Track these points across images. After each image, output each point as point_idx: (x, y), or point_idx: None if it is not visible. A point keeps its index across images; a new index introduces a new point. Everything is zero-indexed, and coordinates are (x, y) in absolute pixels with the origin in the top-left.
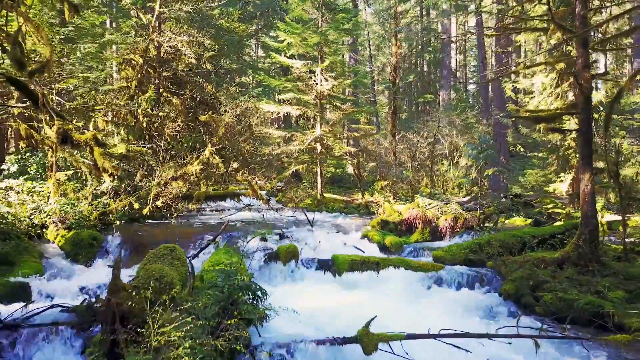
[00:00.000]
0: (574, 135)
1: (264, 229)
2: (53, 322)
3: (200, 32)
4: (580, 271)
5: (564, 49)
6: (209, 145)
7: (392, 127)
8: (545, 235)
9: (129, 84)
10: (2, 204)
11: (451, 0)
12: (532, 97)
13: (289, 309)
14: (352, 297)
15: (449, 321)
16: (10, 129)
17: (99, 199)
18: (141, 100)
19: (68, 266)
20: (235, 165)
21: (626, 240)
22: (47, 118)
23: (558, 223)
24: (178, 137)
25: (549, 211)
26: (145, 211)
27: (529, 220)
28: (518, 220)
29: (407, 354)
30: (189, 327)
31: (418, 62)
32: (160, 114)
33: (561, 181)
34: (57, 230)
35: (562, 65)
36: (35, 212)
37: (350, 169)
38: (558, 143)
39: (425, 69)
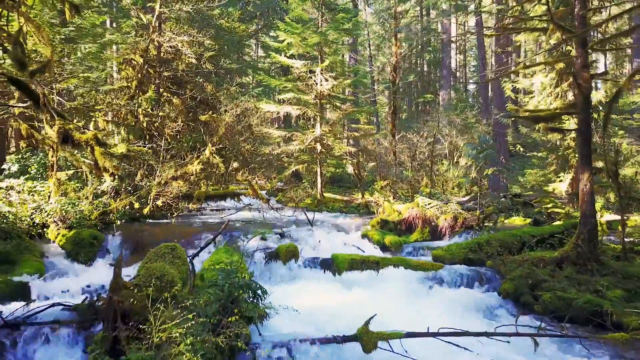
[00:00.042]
0: (573, 135)
1: (264, 229)
2: (54, 321)
3: (200, 32)
4: (579, 270)
5: (564, 49)
6: (209, 145)
7: (392, 127)
8: (544, 234)
9: (130, 84)
10: (3, 204)
11: (451, 0)
12: (531, 97)
13: (289, 307)
14: (351, 296)
15: (449, 320)
16: (10, 128)
17: (100, 199)
18: (141, 100)
19: (69, 265)
20: (235, 165)
21: (625, 239)
22: (48, 118)
23: (557, 223)
24: (178, 136)
25: (549, 211)
26: (145, 211)
27: (529, 220)
28: (517, 220)
29: (406, 352)
30: (190, 324)
31: (418, 62)
32: (161, 113)
33: (560, 181)
34: (58, 229)
35: (561, 65)
36: (36, 211)
37: (350, 169)
38: (558, 143)
39: (425, 68)
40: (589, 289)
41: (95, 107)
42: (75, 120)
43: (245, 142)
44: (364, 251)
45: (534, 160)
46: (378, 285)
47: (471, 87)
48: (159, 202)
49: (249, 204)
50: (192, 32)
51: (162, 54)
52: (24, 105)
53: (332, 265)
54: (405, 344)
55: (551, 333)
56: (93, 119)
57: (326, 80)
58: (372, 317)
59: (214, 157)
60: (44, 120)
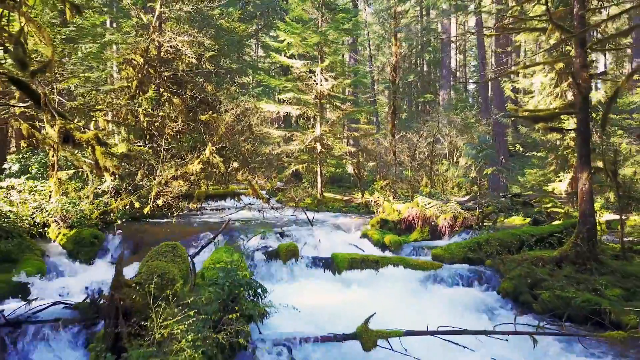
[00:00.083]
0: (573, 134)
1: (264, 228)
2: (56, 319)
3: (200, 32)
4: (578, 269)
5: (563, 48)
6: (209, 144)
7: (392, 127)
8: (543, 234)
9: (130, 84)
10: (4, 203)
11: (451, 0)
12: (531, 97)
13: (289, 306)
14: (351, 295)
15: (448, 319)
16: (11, 128)
17: (100, 198)
18: (142, 100)
19: (70, 264)
20: (235, 164)
21: (624, 239)
22: (49, 117)
23: (556, 222)
24: (178, 136)
25: (548, 210)
26: (146, 210)
27: (528, 220)
28: (517, 220)
29: (405, 350)
30: (191, 321)
31: (418, 62)
32: (161, 113)
33: (560, 180)
34: (59, 229)
35: (561, 65)
36: (37, 211)
37: (350, 169)
38: (557, 142)
39: (425, 68)
40: (587, 288)
41: (96, 107)
42: (75, 120)
43: (246, 142)
44: (363, 250)
45: (534, 160)
46: (378, 285)
47: (471, 87)
48: (160, 202)
49: (249, 204)
50: (192, 32)
51: (162, 53)
52: (25, 105)
53: (332, 264)
54: (405, 342)
55: (550, 331)
56: (93, 119)
57: (326, 80)
58: (371, 316)
59: (214, 157)
60: (45, 120)
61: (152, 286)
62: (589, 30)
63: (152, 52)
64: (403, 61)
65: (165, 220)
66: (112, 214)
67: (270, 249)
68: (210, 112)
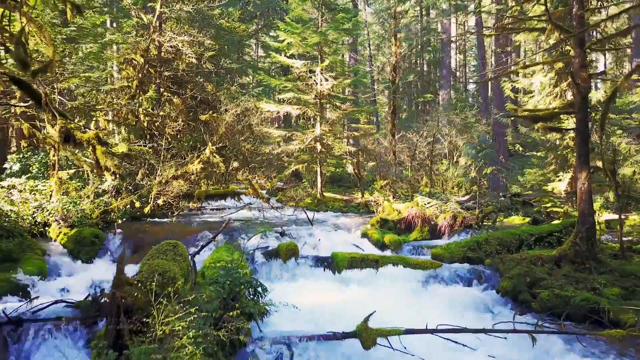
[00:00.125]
0: (572, 134)
1: (265, 227)
2: (57, 317)
3: (200, 32)
4: (577, 269)
5: (563, 48)
6: (210, 144)
7: (392, 127)
8: (542, 233)
9: (130, 84)
10: (5, 203)
11: (450, 0)
12: (531, 97)
13: (289, 304)
14: (351, 294)
15: (447, 317)
16: (11, 128)
17: (101, 198)
18: (142, 99)
19: (70, 264)
20: (235, 164)
21: (623, 238)
22: (50, 117)
23: (556, 221)
24: (179, 136)
25: (548, 210)
26: (146, 210)
27: (528, 219)
28: (517, 219)
29: (405, 348)
30: (192, 318)
31: (418, 61)
32: (161, 113)
33: (560, 180)
34: (60, 228)
35: (560, 64)
36: (37, 210)
37: (350, 169)
38: (557, 142)
39: (425, 68)
40: (586, 286)
41: (96, 107)
42: (76, 120)
43: (246, 142)
44: (363, 250)
45: (533, 160)
46: (377, 284)
47: (471, 86)
48: (160, 201)
49: (249, 203)
50: (192, 32)
51: (162, 53)
52: (26, 104)
53: (332, 263)
54: (405, 340)
55: (548, 330)
56: (94, 119)
57: (326, 80)
58: (371, 314)
59: (214, 157)
60: (46, 119)
61: (154, 284)
62: (588, 30)
63: (152, 52)
64: (403, 61)
65: (165, 219)
66: (112, 214)
67: (271, 248)
68: (211, 112)
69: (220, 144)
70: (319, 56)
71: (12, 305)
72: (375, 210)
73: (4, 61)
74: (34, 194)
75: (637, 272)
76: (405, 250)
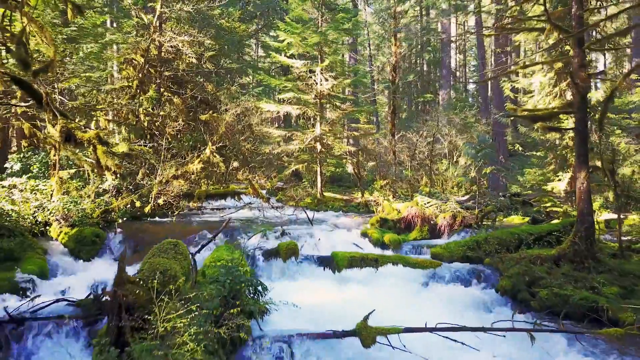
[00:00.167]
0: (572, 134)
1: (265, 227)
2: (59, 316)
3: (200, 32)
4: (576, 268)
5: (562, 48)
6: (210, 144)
7: (392, 127)
8: (542, 232)
9: (130, 84)
10: (6, 202)
11: (450, 0)
12: (531, 97)
13: (289, 303)
14: (351, 293)
15: (447, 316)
16: (12, 128)
17: (102, 197)
18: (142, 99)
19: (71, 263)
20: (235, 164)
21: (622, 238)
22: (51, 117)
23: (555, 221)
24: (179, 136)
25: (547, 209)
26: (147, 209)
27: (527, 219)
28: (516, 219)
29: (404, 346)
30: (193, 315)
31: (418, 61)
32: (162, 113)
33: (559, 180)
34: (61, 227)
35: (559, 64)
36: (38, 209)
37: (350, 168)
38: (556, 142)
39: (425, 68)
40: (585, 285)
41: (97, 107)
42: (76, 120)
43: (246, 142)
44: (363, 249)
45: (533, 160)
46: (377, 283)
47: (471, 86)
48: (160, 201)
49: (249, 203)
50: (192, 32)
51: (162, 53)
52: (27, 104)
53: (332, 262)
54: (404, 339)
55: (547, 328)
56: (94, 118)
57: (326, 79)
58: (370, 313)
59: (215, 156)
60: (47, 119)
61: (155, 281)
62: (586, 30)
63: (152, 51)
64: (403, 61)
65: (166, 219)
66: (113, 213)
67: (271, 247)
68: (211, 112)
69: (221, 144)
70: (319, 56)
71: (13, 303)
72: (375, 210)
73: (5, 61)
74: (34, 193)
75: (636, 271)
76: (405, 250)
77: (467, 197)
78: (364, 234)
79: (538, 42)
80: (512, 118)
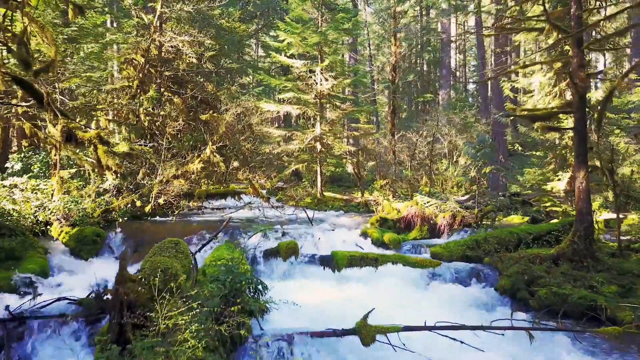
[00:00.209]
0: (571, 134)
1: (265, 226)
2: (61, 314)
3: (201, 32)
4: (575, 267)
5: (562, 48)
6: (210, 144)
7: (392, 126)
8: (541, 232)
9: (131, 84)
10: (7, 202)
11: (450, 0)
12: (530, 96)
13: (289, 302)
14: (350, 292)
15: (446, 315)
16: (12, 127)
17: (102, 197)
18: (143, 99)
19: (72, 262)
20: (235, 164)
21: (621, 237)
22: (51, 117)
23: (554, 220)
24: (179, 135)
25: (547, 209)
26: (147, 209)
27: (527, 218)
28: (516, 218)
29: (404, 345)
30: (194, 312)
31: (417, 61)
32: (162, 112)
33: (559, 179)
34: (61, 227)
35: (559, 64)
36: (39, 209)
37: (350, 168)
38: (556, 142)
39: (425, 68)
40: (584, 284)
41: (97, 107)
42: (77, 120)
43: (246, 141)
44: (363, 248)
45: (533, 159)
46: (377, 282)
47: (471, 86)
48: (161, 201)
49: (250, 203)
50: (192, 32)
51: (163, 53)
52: (28, 104)
53: (332, 262)
54: (404, 338)
55: (545, 327)
56: (95, 118)
57: (326, 79)
58: (370, 311)
59: (215, 156)
60: (47, 119)
61: (157, 279)
62: (585, 30)
63: (152, 51)
64: (403, 61)
65: (166, 218)
66: (113, 213)
67: (271, 247)
68: (211, 112)
69: (221, 144)
70: (319, 56)
71: (15, 302)
72: (375, 210)
73: (6, 61)
74: (35, 193)
75: (635, 270)
76: (405, 249)
77: (466, 196)
78: (364, 234)
79: (538, 42)
80: (511, 118)
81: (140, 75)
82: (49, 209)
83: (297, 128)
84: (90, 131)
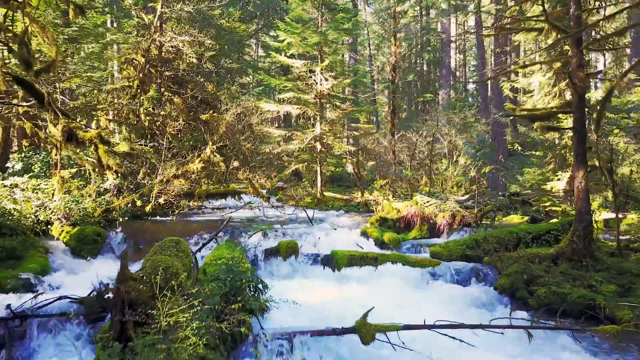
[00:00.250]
0: (570, 133)
1: (265, 226)
2: (62, 313)
3: (201, 32)
4: (574, 266)
5: (562, 48)
6: (210, 143)
7: (392, 126)
8: (540, 231)
9: (131, 84)
10: (8, 201)
11: (450, 0)
12: (530, 96)
13: (289, 301)
14: (350, 291)
15: (446, 315)
16: (13, 127)
17: (103, 196)
18: (143, 99)
19: (73, 261)
20: (236, 163)
21: (620, 237)
22: (52, 117)
23: (554, 220)
24: (179, 135)
25: (547, 209)
26: (147, 208)
27: (526, 218)
28: (515, 218)
29: (403, 343)
30: (195, 310)
31: (417, 61)
32: (162, 112)
33: (558, 179)
34: (62, 226)
35: (558, 64)
36: (40, 209)
37: (349, 168)
38: (555, 142)
39: (425, 68)
40: (583, 284)
41: (98, 106)
42: (78, 119)
43: (246, 141)
44: (362, 248)
45: (533, 159)
46: (376, 281)
47: (470, 86)
48: (161, 200)
49: (250, 202)
50: (193, 32)
51: (163, 53)
52: (28, 104)
53: (332, 261)
54: (403, 336)
55: (544, 325)
56: (95, 118)
57: (326, 79)
58: (369, 310)
59: (215, 156)
60: (48, 119)
61: (158, 277)
62: (584, 30)
63: (153, 51)
64: (403, 61)
65: (166, 218)
66: (114, 212)
67: (271, 246)
68: (211, 112)
69: (221, 144)
70: (319, 56)
71: (16, 301)
72: (374, 209)
73: (7, 61)
74: (36, 192)
75: (634, 270)
76: (405, 249)
77: (466, 196)
78: (364, 233)
79: (537, 42)
80: (511, 118)
81: (141, 75)
82: (50, 209)
83: (297, 128)
84: (91, 131)
